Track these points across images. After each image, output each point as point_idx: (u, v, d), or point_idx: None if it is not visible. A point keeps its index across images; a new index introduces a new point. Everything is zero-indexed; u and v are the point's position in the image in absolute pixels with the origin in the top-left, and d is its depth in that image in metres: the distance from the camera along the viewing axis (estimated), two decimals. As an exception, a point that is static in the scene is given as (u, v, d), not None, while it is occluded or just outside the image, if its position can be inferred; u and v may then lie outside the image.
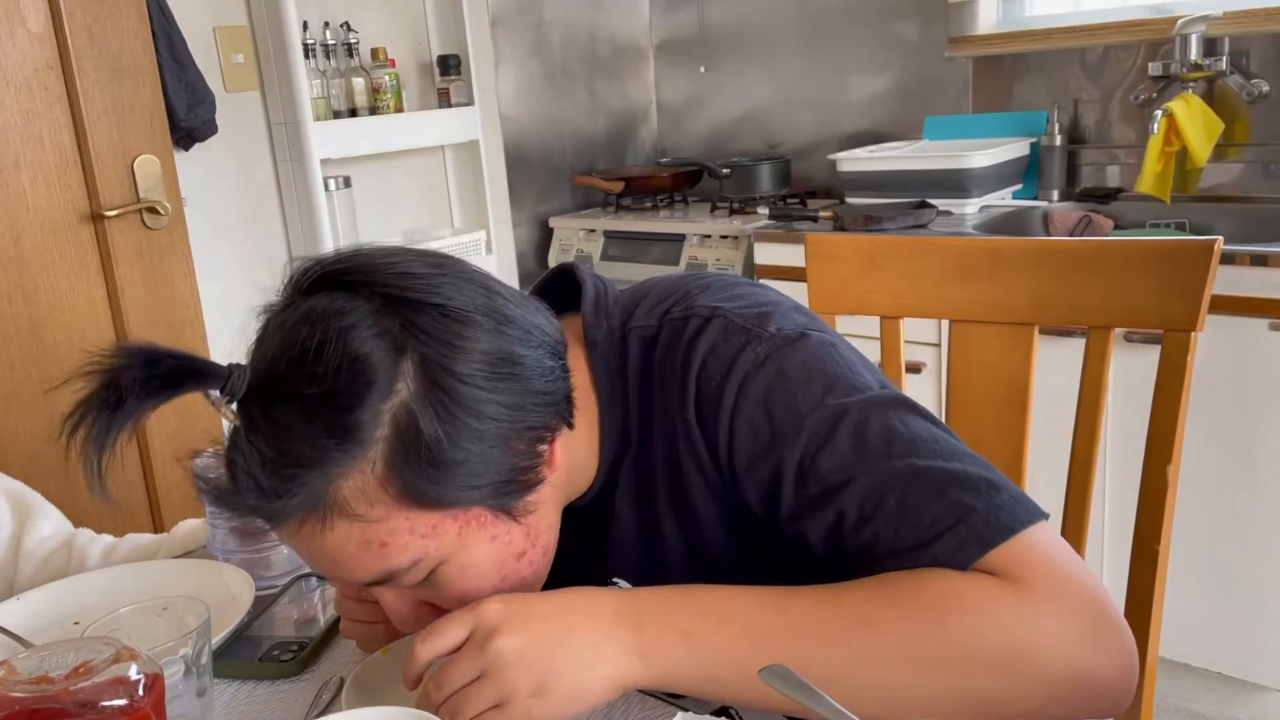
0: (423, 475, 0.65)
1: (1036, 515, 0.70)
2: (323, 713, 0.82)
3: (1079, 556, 0.75)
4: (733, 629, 0.67)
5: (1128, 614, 1.06)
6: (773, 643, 0.66)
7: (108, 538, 1.14)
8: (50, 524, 1.13)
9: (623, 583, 0.86)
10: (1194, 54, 2.17)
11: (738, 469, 0.76)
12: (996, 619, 0.65)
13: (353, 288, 0.69)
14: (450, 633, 0.67)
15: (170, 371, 0.64)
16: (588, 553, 0.87)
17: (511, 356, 0.70)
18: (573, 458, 0.79)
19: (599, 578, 0.87)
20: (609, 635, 0.67)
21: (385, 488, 0.66)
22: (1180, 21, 2.16)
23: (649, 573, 0.81)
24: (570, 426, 0.76)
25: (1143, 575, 1.06)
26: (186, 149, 2.16)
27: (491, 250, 2.61)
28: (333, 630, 0.94)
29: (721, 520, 0.79)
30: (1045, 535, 0.69)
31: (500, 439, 0.69)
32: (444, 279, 0.70)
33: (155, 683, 0.60)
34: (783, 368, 0.75)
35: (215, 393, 0.66)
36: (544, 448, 0.73)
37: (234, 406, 0.67)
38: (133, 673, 0.59)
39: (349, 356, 0.65)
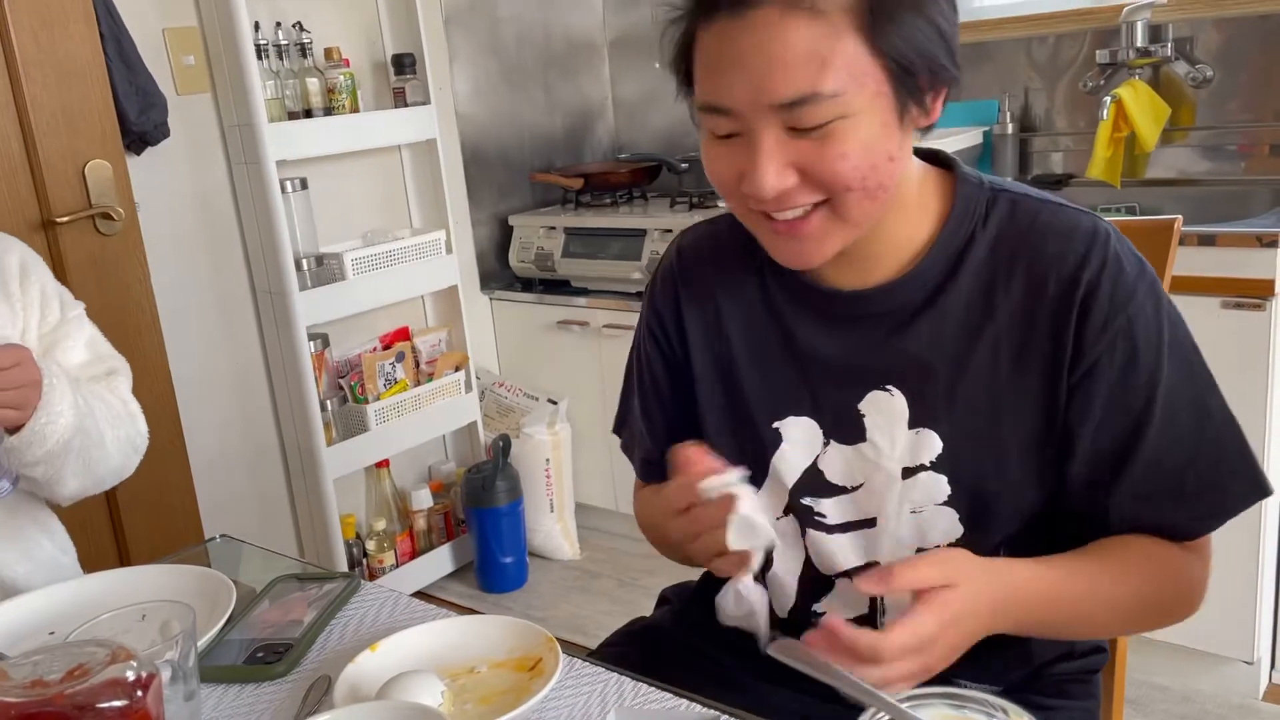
0: (886, 14, 0.77)
1: (1271, 485, 0.88)
2: (312, 713, 0.81)
3: None
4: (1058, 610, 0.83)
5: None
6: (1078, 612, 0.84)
7: None
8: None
9: (894, 390, 0.90)
10: (1140, 41, 2.22)
11: (1087, 365, 0.84)
12: (1198, 596, 0.91)
13: None
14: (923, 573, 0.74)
15: None
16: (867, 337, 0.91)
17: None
18: (907, 202, 0.88)
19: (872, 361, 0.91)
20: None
21: (851, 11, 0.76)
22: (1126, 10, 2.20)
23: (916, 379, 0.89)
24: (954, 83, 0.84)
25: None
26: (139, 153, 2.13)
27: (452, 250, 2.59)
28: (318, 629, 0.94)
29: (1027, 391, 0.87)
30: None
31: (938, 36, 0.80)
32: None
33: (152, 682, 0.59)
34: (1161, 309, 0.86)
35: None
36: (939, 89, 0.82)
37: None
38: (129, 674, 0.58)
39: None
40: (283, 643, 0.90)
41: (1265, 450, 1.78)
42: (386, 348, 2.59)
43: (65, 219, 1.91)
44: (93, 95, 1.95)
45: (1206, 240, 1.82)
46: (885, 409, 0.90)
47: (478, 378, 2.76)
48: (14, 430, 1.06)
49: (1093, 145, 2.25)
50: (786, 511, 0.96)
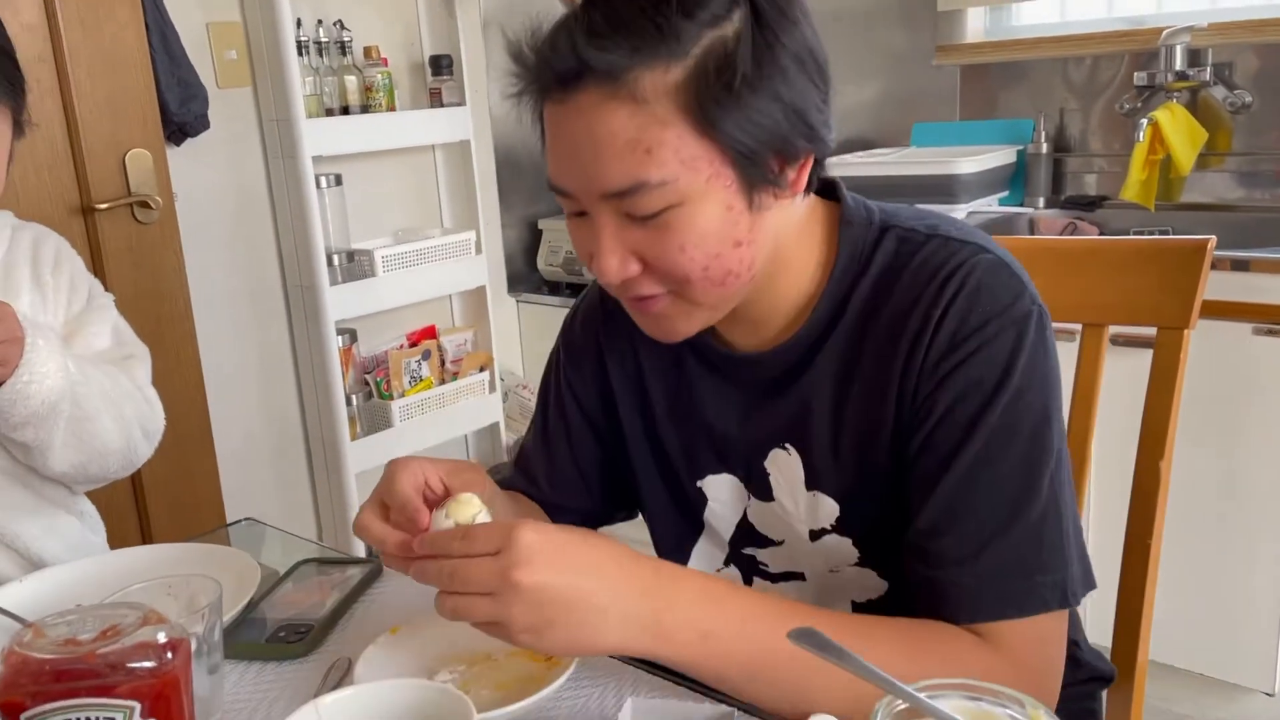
0: (714, 98, 0.71)
1: (1076, 598, 0.77)
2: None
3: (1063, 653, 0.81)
4: (749, 645, 0.70)
5: (1119, 613, 1.07)
6: (780, 662, 0.69)
7: None
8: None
9: (791, 449, 0.86)
10: (1178, 65, 2.21)
11: (925, 400, 0.79)
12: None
13: None
14: (484, 544, 0.68)
15: None
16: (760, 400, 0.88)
17: (820, 63, 0.76)
18: (782, 268, 0.83)
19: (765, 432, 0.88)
20: (625, 612, 0.69)
21: (676, 96, 0.71)
22: (1165, 33, 2.20)
23: (804, 438, 0.85)
24: (822, 155, 0.79)
25: (1134, 573, 1.07)
26: (178, 144, 2.16)
27: (481, 251, 2.61)
28: (339, 612, 0.95)
29: (889, 432, 0.82)
30: (1062, 625, 0.78)
31: (788, 113, 0.74)
32: None
33: (182, 646, 0.60)
34: (1020, 353, 0.78)
35: None
36: (796, 165, 0.77)
37: None
38: (160, 636, 0.59)
39: None
40: (304, 623, 0.91)
41: (1293, 479, 1.77)
42: (413, 345, 2.61)
43: (105, 206, 1.94)
44: (136, 85, 1.98)
45: (1239, 265, 1.81)
46: (785, 469, 0.87)
47: (502, 379, 2.77)
48: None
49: (1127, 167, 2.23)
50: (727, 563, 0.95)
